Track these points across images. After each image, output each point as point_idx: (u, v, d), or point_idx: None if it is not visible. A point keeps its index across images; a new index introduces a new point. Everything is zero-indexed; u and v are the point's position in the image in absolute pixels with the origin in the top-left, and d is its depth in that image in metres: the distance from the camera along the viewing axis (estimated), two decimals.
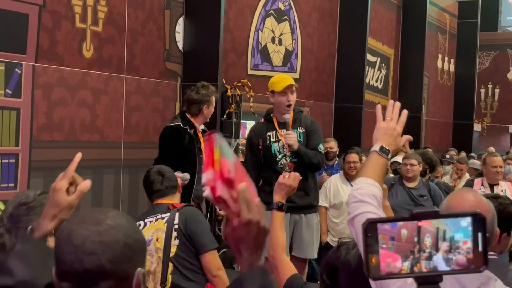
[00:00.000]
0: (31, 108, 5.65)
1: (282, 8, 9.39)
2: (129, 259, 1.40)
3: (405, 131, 2.27)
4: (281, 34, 9.37)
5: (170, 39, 7.30)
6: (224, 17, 7.47)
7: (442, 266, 1.10)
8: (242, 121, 7.64)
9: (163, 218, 3.69)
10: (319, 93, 10.40)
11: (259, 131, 5.10)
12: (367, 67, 11.21)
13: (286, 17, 9.48)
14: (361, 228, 1.13)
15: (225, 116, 7.35)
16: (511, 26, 19.58)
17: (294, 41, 9.69)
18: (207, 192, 1.49)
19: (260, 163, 5.05)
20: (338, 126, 10.64)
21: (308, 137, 5.05)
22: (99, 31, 6.34)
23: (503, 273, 2.52)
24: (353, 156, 6.50)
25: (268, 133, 5.03)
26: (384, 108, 2.25)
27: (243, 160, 5.23)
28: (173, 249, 3.63)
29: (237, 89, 7.71)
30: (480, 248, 1.10)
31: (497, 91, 18.36)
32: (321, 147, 5.12)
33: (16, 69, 5.49)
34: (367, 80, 11.41)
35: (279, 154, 4.99)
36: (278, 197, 2.82)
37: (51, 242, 1.99)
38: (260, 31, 8.87)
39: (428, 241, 1.10)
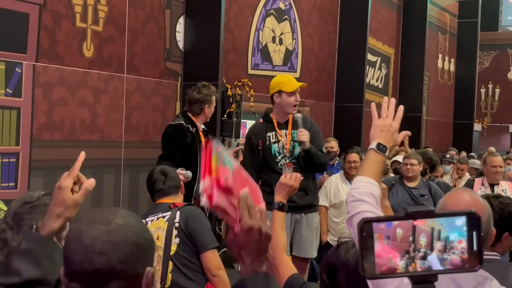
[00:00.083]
0: (32, 107, 5.65)
1: (283, 7, 9.39)
2: (139, 258, 1.39)
3: (405, 130, 2.27)
4: (282, 33, 9.37)
5: (170, 38, 7.30)
6: (224, 17, 7.47)
7: (437, 266, 1.10)
8: (242, 120, 7.64)
9: (164, 217, 3.69)
10: (319, 92, 10.40)
11: (258, 131, 5.07)
12: (367, 66, 11.21)
13: (286, 16, 9.48)
14: (356, 227, 1.13)
15: (225, 116, 7.35)
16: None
17: (294, 40, 9.69)
18: (204, 201, 1.46)
19: (260, 164, 5.02)
20: (339, 126, 10.64)
21: (311, 138, 5.05)
22: (100, 30, 6.34)
23: (504, 273, 2.52)
24: (353, 156, 6.50)
25: (268, 134, 5.01)
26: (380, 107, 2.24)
27: (242, 160, 5.18)
28: (173, 248, 3.63)
29: (237, 88, 7.71)
30: (475, 247, 1.10)
31: (497, 90, 18.36)
32: (323, 149, 5.17)
33: (17, 69, 5.49)
34: (367, 80, 11.41)
35: (279, 155, 4.98)
36: (279, 197, 2.83)
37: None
38: (260, 31, 8.86)
39: (423, 240, 1.10)
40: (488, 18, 17.79)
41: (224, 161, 1.47)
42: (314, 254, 5.26)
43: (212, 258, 3.63)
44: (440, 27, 15.48)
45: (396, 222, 1.11)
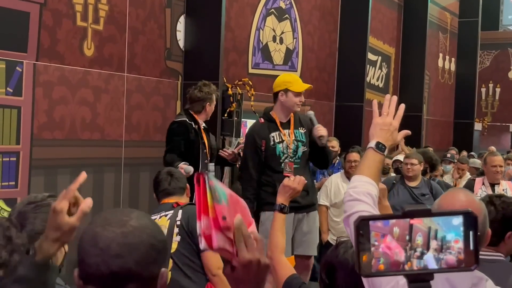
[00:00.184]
0: (32, 106, 5.65)
1: (283, 6, 9.38)
2: (154, 260, 1.39)
3: (405, 130, 2.25)
4: (282, 32, 9.37)
5: (171, 37, 7.30)
6: (225, 16, 7.47)
7: (433, 265, 1.10)
8: (243, 119, 7.64)
9: (166, 215, 3.69)
10: (320, 91, 10.40)
11: (262, 132, 5.00)
12: (368, 66, 11.20)
13: (287, 15, 9.47)
14: (353, 225, 1.12)
15: (226, 115, 7.35)
16: None
17: (295, 39, 9.69)
18: (203, 244, 1.40)
19: (261, 165, 5.00)
20: (339, 125, 10.63)
21: (312, 136, 5.07)
22: (100, 29, 6.33)
23: (508, 274, 2.51)
24: (354, 155, 6.50)
25: (272, 134, 4.96)
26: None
27: (243, 161, 5.13)
28: (174, 246, 3.63)
29: (238, 87, 7.71)
30: (472, 247, 1.10)
31: (498, 90, 18.35)
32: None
33: (17, 68, 5.49)
34: (368, 79, 11.40)
35: (283, 155, 4.95)
36: (281, 199, 2.83)
37: (59, 257, 1.99)
38: (261, 30, 8.86)
39: (419, 240, 1.10)
40: (489, 18, 17.78)
41: (218, 196, 1.39)
42: (316, 251, 5.25)
43: (213, 258, 3.59)
44: (440, 26, 15.48)
45: (393, 221, 1.11)
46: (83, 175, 1.71)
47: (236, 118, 7.39)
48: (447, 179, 9.10)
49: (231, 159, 5.64)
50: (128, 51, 6.67)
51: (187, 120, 5.56)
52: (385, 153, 2.11)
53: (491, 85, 18.37)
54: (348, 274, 2.04)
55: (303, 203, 4.94)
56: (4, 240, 1.93)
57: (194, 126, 5.56)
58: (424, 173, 6.62)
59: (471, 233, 1.10)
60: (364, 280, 1.83)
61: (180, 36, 7.43)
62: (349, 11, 10.77)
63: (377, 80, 12.45)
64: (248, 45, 8.62)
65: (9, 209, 5.37)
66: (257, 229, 4.60)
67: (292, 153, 4.95)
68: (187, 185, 3.95)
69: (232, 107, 7.38)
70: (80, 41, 6.11)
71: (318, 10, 10.33)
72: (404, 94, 12.62)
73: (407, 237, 1.10)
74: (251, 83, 8.02)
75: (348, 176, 6.45)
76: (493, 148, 11.99)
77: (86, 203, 1.67)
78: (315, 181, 7.00)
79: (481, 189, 6.10)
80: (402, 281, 1.65)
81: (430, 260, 1.10)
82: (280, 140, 4.96)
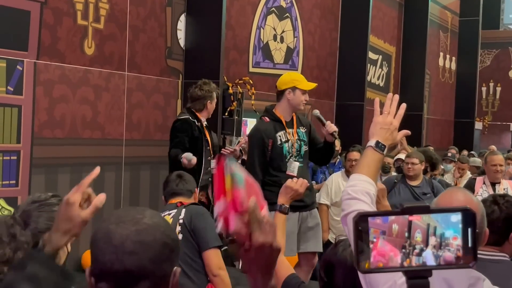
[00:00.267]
0: (33, 105, 5.65)
1: (284, 5, 9.38)
2: (167, 259, 1.39)
3: (406, 129, 2.25)
4: (283, 31, 9.37)
5: (171, 36, 7.30)
6: (225, 15, 7.46)
7: (432, 262, 1.10)
8: (243, 118, 7.64)
9: (170, 214, 3.68)
10: (320, 90, 10.38)
11: (269, 131, 4.93)
12: (368, 65, 11.19)
13: (287, 14, 9.47)
14: (352, 221, 1.12)
15: (226, 114, 7.35)
16: None
17: (295, 38, 9.68)
18: (220, 226, 1.41)
19: (266, 164, 4.97)
20: (340, 124, 10.47)
21: (313, 134, 5.11)
22: (101, 28, 6.33)
23: (511, 274, 2.51)
24: (354, 154, 6.50)
25: (278, 134, 4.92)
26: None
27: (248, 160, 5.07)
28: None
29: (238, 86, 7.71)
30: (470, 244, 1.10)
31: (498, 89, 18.35)
32: None
33: (18, 66, 5.49)
34: (368, 78, 11.40)
35: (288, 155, 4.95)
36: (282, 200, 2.83)
37: (62, 256, 1.99)
38: (261, 29, 8.86)
39: (418, 236, 1.10)
40: (489, 16, 17.78)
41: (237, 180, 1.41)
42: (322, 248, 5.23)
43: (214, 257, 3.59)
44: (441, 25, 15.47)
45: (392, 218, 1.11)
46: (97, 170, 1.71)
47: (236, 117, 7.39)
48: (448, 178, 9.10)
49: (233, 156, 5.65)
50: (129, 49, 6.67)
51: (190, 118, 5.62)
52: (385, 152, 2.10)
53: (491, 84, 18.37)
54: (346, 272, 2.05)
55: (308, 202, 4.98)
56: (8, 238, 1.94)
57: (197, 123, 5.62)
58: (424, 172, 6.61)
59: (469, 230, 1.10)
60: (361, 279, 1.83)
61: (181, 34, 7.43)
62: (349, 9, 10.77)
63: (378, 79, 12.45)
64: (248, 44, 8.62)
65: (10, 208, 5.37)
66: None
67: (296, 152, 4.95)
68: (196, 189, 3.97)
69: (233, 106, 7.38)
70: (80, 40, 6.11)
71: (318, 8, 10.33)
72: (404, 93, 12.61)
73: (406, 234, 1.10)
74: (251, 82, 8.02)
75: (349, 175, 6.41)
76: (493, 147, 12.00)
77: (99, 198, 1.66)
78: (315, 182, 7.03)
79: (482, 188, 6.10)
80: (399, 280, 1.65)
81: (428, 257, 1.10)
82: (286, 139, 4.94)
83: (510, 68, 18.17)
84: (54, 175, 5.88)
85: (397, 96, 2.17)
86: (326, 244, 6.23)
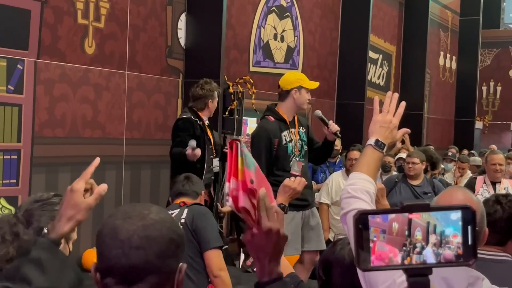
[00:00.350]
0: (33, 104, 5.65)
1: (284, 4, 9.38)
2: (173, 254, 1.40)
3: (406, 128, 2.25)
4: (283, 30, 9.36)
5: (172, 35, 7.29)
6: (226, 14, 7.46)
7: (432, 260, 1.11)
8: (244, 118, 7.63)
9: (172, 214, 3.66)
10: (321, 90, 10.37)
11: (274, 130, 4.90)
12: (369, 64, 11.19)
13: (288, 13, 9.47)
14: (352, 219, 1.12)
15: (227, 113, 7.35)
16: None
17: (296, 37, 9.68)
18: (229, 202, 1.46)
19: (271, 164, 4.93)
20: (340, 123, 10.43)
21: (311, 135, 5.15)
22: (101, 27, 6.33)
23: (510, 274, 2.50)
24: (355, 153, 6.50)
25: (283, 133, 4.90)
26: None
27: (256, 160, 5.05)
28: None
29: (239, 85, 7.71)
30: (470, 242, 1.10)
31: (498, 88, 18.34)
32: None
33: (18, 65, 5.49)
34: (369, 77, 11.40)
35: (292, 154, 4.95)
36: (281, 199, 2.84)
37: (65, 248, 2.00)
38: (262, 28, 8.85)
39: (418, 235, 1.10)
40: (490, 16, 17.77)
41: (248, 163, 1.47)
42: (324, 245, 5.22)
43: (215, 258, 3.56)
44: (441, 24, 15.47)
45: (392, 216, 1.11)
46: (97, 160, 1.73)
47: (237, 116, 7.39)
48: (448, 177, 9.10)
49: None
50: (129, 48, 6.67)
51: (192, 117, 5.63)
52: (384, 150, 2.10)
53: (492, 84, 18.36)
54: (344, 271, 2.05)
55: (310, 200, 5.05)
56: (11, 236, 1.95)
57: (199, 122, 5.63)
58: (424, 171, 6.62)
59: (469, 228, 1.10)
60: (361, 278, 1.83)
61: (181, 34, 7.43)
62: (350, 9, 10.77)
63: (378, 78, 12.45)
64: (249, 43, 8.61)
65: (10, 207, 5.37)
66: None
67: (298, 152, 4.96)
68: (203, 192, 3.96)
69: (233, 105, 7.38)
70: (81, 39, 6.11)
71: (319, 8, 10.33)
72: (405, 92, 12.60)
73: (406, 232, 1.10)
74: (252, 81, 8.02)
75: (349, 174, 6.43)
76: (494, 146, 12.00)
77: (102, 187, 1.68)
78: (315, 181, 7.04)
79: (482, 188, 6.09)
80: (398, 279, 1.65)
81: (429, 255, 1.10)
82: (290, 139, 4.94)
83: (511, 68, 18.17)
84: (55, 174, 5.88)
85: (396, 94, 2.16)
86: (327, 243, 6.24)
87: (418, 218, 1.10)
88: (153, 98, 7.03)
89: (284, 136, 4.90)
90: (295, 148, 4.94)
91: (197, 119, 5.64)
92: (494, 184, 6.11)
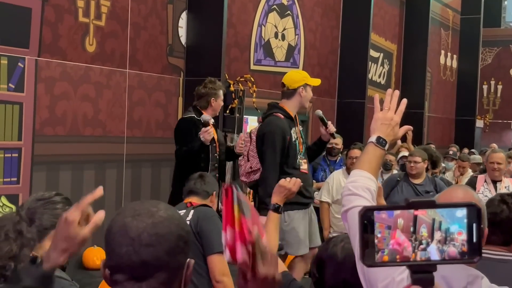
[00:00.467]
0: (34, 102, 5.64)
1: (285, 3, 9.37)
2: (182, 250, 1.43)
3: (406, 126, 2.24)
4: (284, 29, 9.36)
5: (173, 33, 7.29)
6: (227, 12, 7.46)
7: (437, 256, 1.11)
8: (244, 116, 7.63)
9: None
10: (321, 88, 10.37)
11: (286, 128, 4.87)
12: (370, 62, 11.19)
13: (289, 12, 9.47)
14: (358, 215, 1.12)
15: (227, 111, 7.35)
16: None
17: (297, 36, 9.68)
18: (227, 256, 1.43)
19: (283, 162, 4.89)
20: (341, 122, 10.62)
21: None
22: (102, 25, 6.33)
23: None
24: (355, 152, 6.49)
25: (291, 131, 4.90)
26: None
27: (270, 159, 4.84)
28: None
29: (240, 84, 7.71)
30: (475, 239, 1.10)
31: (499, 87, 18.34)
32: None
33: (19, 63, 5.48)
34: (369, 76, 11.40)
35: (298, 152, 4.96)
36: (276, 199, 2.83)
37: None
38: (263, 26, 8.85)
39: (423, 231, 1.11)
40: (491, 14, 17.76)
41: (244, 210, 1.43)
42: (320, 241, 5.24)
43: (218, 263, 3.45)
44: (442, 23, 15.46)
45: (397, 212, 1.11)
46: (99, 191, 1.70)
47: (238, 115, 7.39)
48: (449, 176, 9.09)
49: (239, 151, 5.61)
50: (130, 47, 6.67)
51: (195, 116, 5.59)
52: (386, 148, 2.09)
53: (492, 82, 18.36)
54: (336, 268, 2.05)
55: (313, 198, 5.12)
56: (14, 234, 1.96)
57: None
58: (425, 170, 6.61)
59: (474, 225, 1.10)
60: (360, 275, 1.83)
61: (182, 32, 7.42)
62: (351, 7, 10.76)
63: (379, 76, 12.44)
64: (250, 42, 8.61)
65: (11, 205, 5.37)
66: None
67: (303, 150, 4.98)
68: (214, 192, 3.85)
69: (234, 104, 7.38)
70: (82, 37, 6.10)
71: (320, 6, 10.32)
72: (405, 91, 12.61)
73: (412, 229, 1.11)
74: (253, 80, 8.02)
75: (350, 172, 6.44)
76: (494, 145, 11.98)
77: (99, 216, 1.66)
78: (315, 180, 7.03)
79: (483, 187, 6.09)
80: (398, 277, 1.65)
81: (433, 252, 1.11)
82: (296, 137, 4.95)
83: (511, 66, 18.16)
84: (55, 172, 5.88)
85: (397, 92, 2.16)
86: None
87: (424, 214, 1.11)
88: (154, 96, 7.02)
89: (293, 133, 4.91)
90: (299, 146, 4.95)
91: (200, 118, 5.66)
92: (494, 183, 6.10)
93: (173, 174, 5.66)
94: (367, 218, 1.11)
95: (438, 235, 1.10)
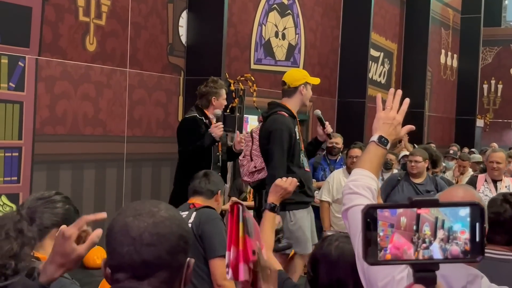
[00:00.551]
0: (34, 101, 5.64)
1: (286, 2, 9.37)
2: (183, 250, 1.45)
3: (406, 125, 2.24)
4: (285, 28, 9.36)
5: (173, 33, 7.29)
6: (227, 11, 7.46)
7: (439, 255, 1.11)
8: (245, 115, 7.63)
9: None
10: (322, 88, 10.38)
11: (291, 126, 4.87)
12: (370, 62, 11.19)
13: (289, 11, 9.46)
14: (361, 213, 1.12)
15: (228, 111, 7.34)
16: None
17: (297, 35, 9.68)
18: (230, 274, 1.47)
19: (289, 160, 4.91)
20: (341, 121, 10.63)
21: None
22: (103, 24, 6.33)
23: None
24: (355, 151, 6.50)
25: (295, 129, 4.92)
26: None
27: (279, 158, 4.80)
28: None
29: (240, 83, 7.70)
30: (478, 238, 1.10)
31: (500, 86, 18.34)
32: None
33: (19, 62, 5.48)
34: (370, 75, 11.39)
35: (301, 151, 4.96)
36: (272, 199, 2.83)
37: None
38: (263, 26, 8.85)
39: (426, 230, 1.11)
40: (491, 14, 17.76)
41: (249, 230, 1.47)
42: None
43: (220, 267, 3.35)
44: (443, 22, 15.45)
45: (400, 211, 1.11)
46: (103, 215, 1.73)
47: (238, 114, 7.38)
48: (448, 176, 9.09)
49: (238, 148, 5.61)
50: (130, 46, 6.67)
51: (197, 115, 5.59)
52: (388, 147, 2.09)
53: (493, 82, 18.35)
54: (330, 267, 2.06)
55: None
56: (15, 233, 1.97)
57: (204, 120, 5.58)
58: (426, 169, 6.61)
59: (477, 224, 1.10)
60: (361, 274, 1.83)
61: (183, 31, 7.42)
62: (351, 7, 10.76)
63: (379, 76, 12.44)
64: (250, 41, 8.61)
65: (11, 205, 5.37)
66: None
67: (304, 148, 4.99)
68: (220, 191, 3.75)
69: (234, 103, 7.38)
70: (82, 36, 6.10)
71: (320, 6, 10.32)
72: (406, 90, 12.52)
73: (414, 227, 1.11)
74: (253, 79, 8.02)
75: (350, 171, 6.41)
76: (495, 144, 11.99)
77: (96, 233, 1.70)
78: (315, 179, 7.03)
79: (484, 186, 6.09)
80: (398, 276, 1.65)
81: (436, 251, 1.11)
82: (299, 136, 4.96)
83: None
84: (56, 171, 5.88)
85: (400, 91, 2.15)
86: None
87: (427, 213, 1.11)
88: (154, 95, 7.02)
89: (296, 132, 4.91)
90: (301, 144, 4.96)
91: (202, 118, 5.58)
92: (495, 182, 6.10)
93: (175, 173, 5.66)
94: (370, 216, 1.11)
95: (441, 233, 1.10)
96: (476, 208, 1.11)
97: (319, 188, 6.74)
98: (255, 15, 8.69)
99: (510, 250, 2.64)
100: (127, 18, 6.61)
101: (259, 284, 1.43)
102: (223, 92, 5.75)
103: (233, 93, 7.40)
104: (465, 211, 1.11)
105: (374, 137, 2.07)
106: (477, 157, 9.85)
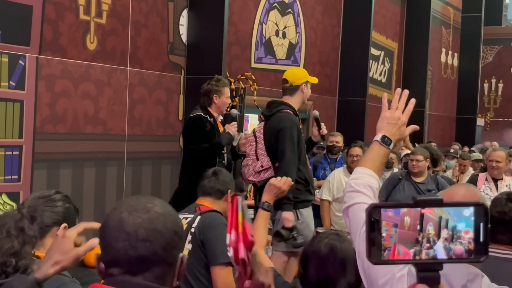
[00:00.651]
0: (35, 100, 5.64)
1: (286, 1, 9.36)
2: (176, 245, 1.46)
3: (408, 125, 2.24)
4: (285, 27, 9.35)
5: (174, 31, 7.28)
6: (228, 10, 7.45)
7: (443, 255, 1.11)
8: (245, 114, 7.63)
9: (186, 219, 3.41)
10: (322, 86, 10.37)
11: (298, 124, 4.89)
12: (370, 60, 11.18)
13: (290, 10, 9.46)
14: (365, 212, 1.13)
15: (228, 109, 7.34)
16: None
17: (297, 34, 9.67)
18: (230, 253, 1.54)
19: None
20: (342, 120, 10.63)
21: None
22: (103, 23, 6.32)
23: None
24: (356, 150, 6.51)
25: (300, 127, 4.96)
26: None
27: (290, 156, 4.75)
28: (185, 253, 3.44)
29: (240, 82, 7.70)
30: (482, 238, 1.10)
31: (500, 85, 18.33)
32: None
33: (20, 61, 5.48)
34: (370, 74, 11.39)
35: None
36: (267, 198, 2.84)
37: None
38: (264, 24, 8.84)
39: (430, 229, 1.11)
40: (492, 13, 17.76)
41: (247, 217, 1.57)
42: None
43: (221, 275, 3.26)
44: (443, 21, 15.44)
45: (404, 210, 1.11)
46: (98, 225, 1.76)
47: (239, 113, 7.38)
48: (449, 175, 9.09)
49: (243, 151, 5.60)
50: (131, 45, 6.66)
51: (202, 114, 5.59)
52: (391, 147, 2.09)
53: (493, 81, 18.35)
54: (319, 263, 2.07)
55: None
56: (16, 231, 1.98)
57: (209, 119, 5.58)
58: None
59: (481, 224, 1.10)
60: (361, 272, 1.83)
61: (183, 30, 7.41)
62: (352, 5, 10.75)
63: (380, 75, 12.43)
64: (251, 40, 8.60)
65: (12, 203, 5.37)
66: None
67: (306, 146, 5.03)
68: (229, 191, 3.54)
69: (235, 102, 7.37)
70: (82, 35, 6.10)
71: (321, 4, 10.31)
72: (406, 89, 12.56)
73: (418, 227, 1.11)
74: (254, 78, 8.01)
75: (350, 170, 6.45)
76: (495, 143, 11.99)
77: (94, 241, 1.73)
78: (315, 178, 7.04)
79: (484, 185, 6.10)
80: (398, 274, 1.65)
81: (440, 250, 1.11)
82: (302, 134, 4.98)
83: None
84: (56, 170, 5.88)
85: (406, 91, 2.16)
86: None
87: (431, 213, 1.11)
88: (154, 94, 7.02)
89: (301, 130, 4.94)
90: (303, 143, 5.00)
91: (207, 116, 5.58)
92: (495, 181, 6.11)
93: (181, 171, 5.66)
94: (374, 216, 1.11)
95: (444, 233, 1.10)
96: (480, 208, 1.11)
97: (319, 187, 6.75)
98: (256, 14, 8.68)
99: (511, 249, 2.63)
100: (128, 16, 6.60)
101: (257, 276, 1.47)
102: (226, 91, 5.74)
103: (234, 92, 7.40)
104: (469, 211, 1.11)
105: (378, 137, 2.07)
106: (476, 155, 9.85)
